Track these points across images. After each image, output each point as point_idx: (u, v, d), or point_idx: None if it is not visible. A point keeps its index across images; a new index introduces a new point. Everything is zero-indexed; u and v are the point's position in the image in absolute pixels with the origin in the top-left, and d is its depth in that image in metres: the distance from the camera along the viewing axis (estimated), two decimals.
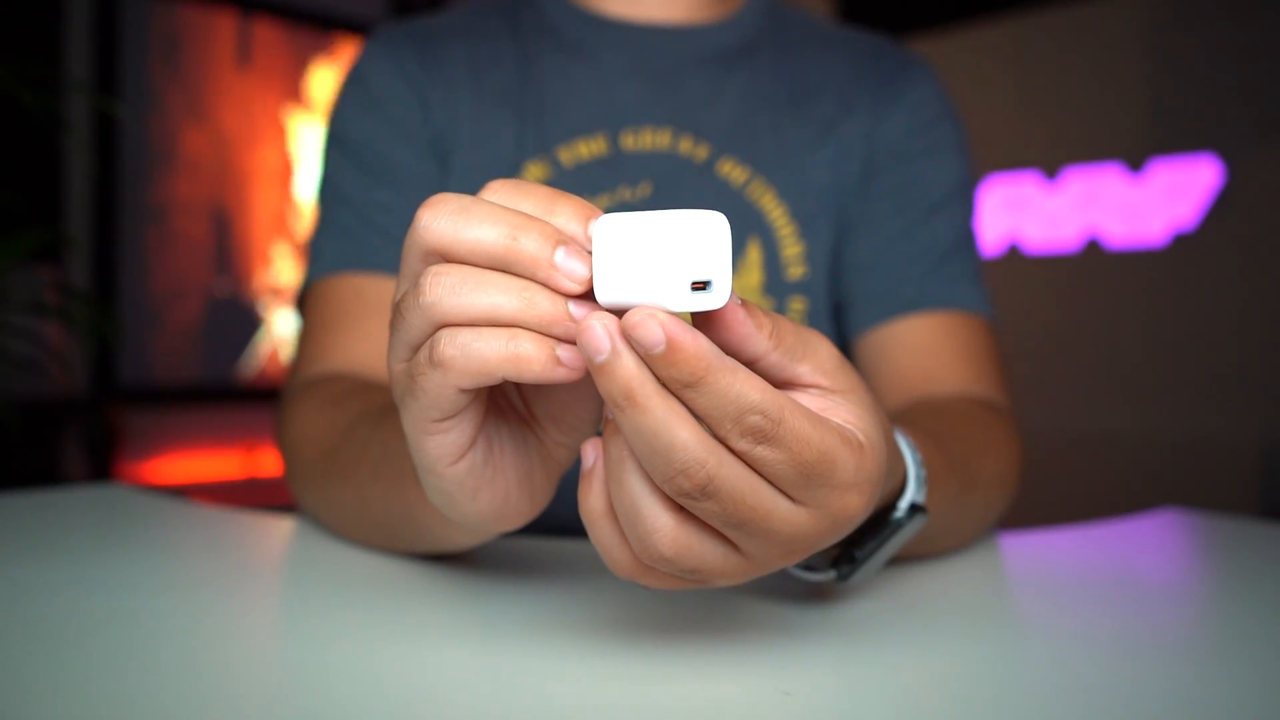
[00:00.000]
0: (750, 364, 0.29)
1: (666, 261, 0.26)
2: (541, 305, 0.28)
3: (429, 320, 0.29)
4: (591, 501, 0.30)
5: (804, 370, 0.30)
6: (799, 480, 0.28)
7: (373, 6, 3.19)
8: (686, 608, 0.41)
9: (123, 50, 2.68)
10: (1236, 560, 0.54)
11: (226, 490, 2.82)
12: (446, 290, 0.29)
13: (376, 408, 0.49)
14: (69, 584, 0.42)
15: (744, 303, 0.29)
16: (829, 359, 0.31)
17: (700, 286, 0.27)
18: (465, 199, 0.30)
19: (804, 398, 0.31)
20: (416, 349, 0.31)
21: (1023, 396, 2.84)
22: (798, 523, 0.29)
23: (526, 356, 0.29)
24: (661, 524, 0.28)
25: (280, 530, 0.55)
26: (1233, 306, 2.47)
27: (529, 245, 0.28)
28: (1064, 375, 2.76)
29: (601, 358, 0.27)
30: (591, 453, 0.30)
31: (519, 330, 0.29)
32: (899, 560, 0.50)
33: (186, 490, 2.72)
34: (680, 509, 0.29)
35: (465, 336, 0.29)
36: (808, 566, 0.40)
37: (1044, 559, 0.53)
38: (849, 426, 0.30)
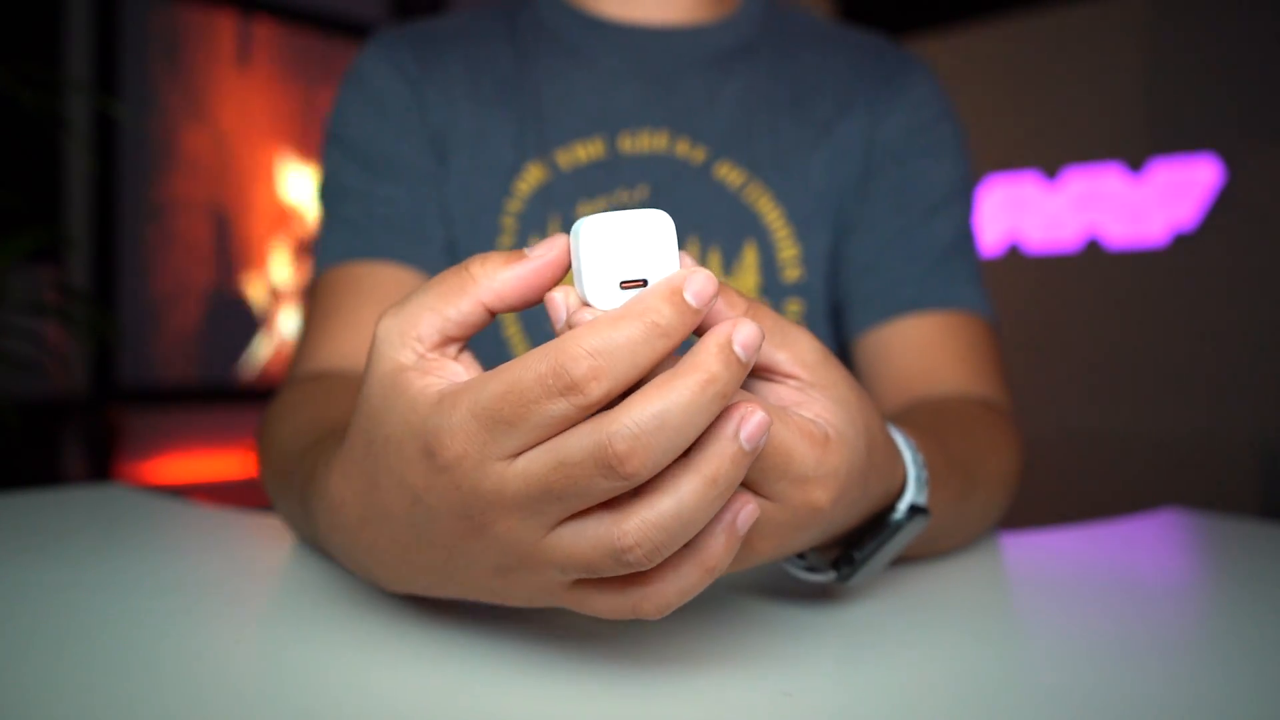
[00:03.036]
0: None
1: (596, 261, 0.28)
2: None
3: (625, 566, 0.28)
4: None
5: (782, 359, 0.31)
6: (755, 473, 0.29)
7: (373, 7, 3.19)
8: (686, 607, 0.41)
9: (123, 50, 2.68)
10: (1236, 560, 0.54)
11: (226, 490, 2.82)
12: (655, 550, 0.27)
13: (317, 421, 0.48)
14: (69, 584, 0.42)
15: (722, 285, 0.29)
16: (809, 352, 0.31)
17: (635, 285, 0.28)
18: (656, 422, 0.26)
19: (782, 389, 0.31)
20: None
21: (1023, 396, 2.85)
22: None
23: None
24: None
25: (280, 530, 0.55)
26: (1233, 306, 2.47)
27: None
28: (1064, 375, 2.76)
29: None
30: None
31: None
32: (900, 560, 0.50)
33: (186, 490, 2.72)
34: None
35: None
36: (809, 568, 0.40)
37: (1044, 559, 0.53)
38: (818, 420, 0.30)
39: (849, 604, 0.42)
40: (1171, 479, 2.54)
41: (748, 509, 0.29)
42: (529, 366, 0.26)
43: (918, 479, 0.39)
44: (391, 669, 0.33)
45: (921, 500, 0.40)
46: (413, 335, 0.29)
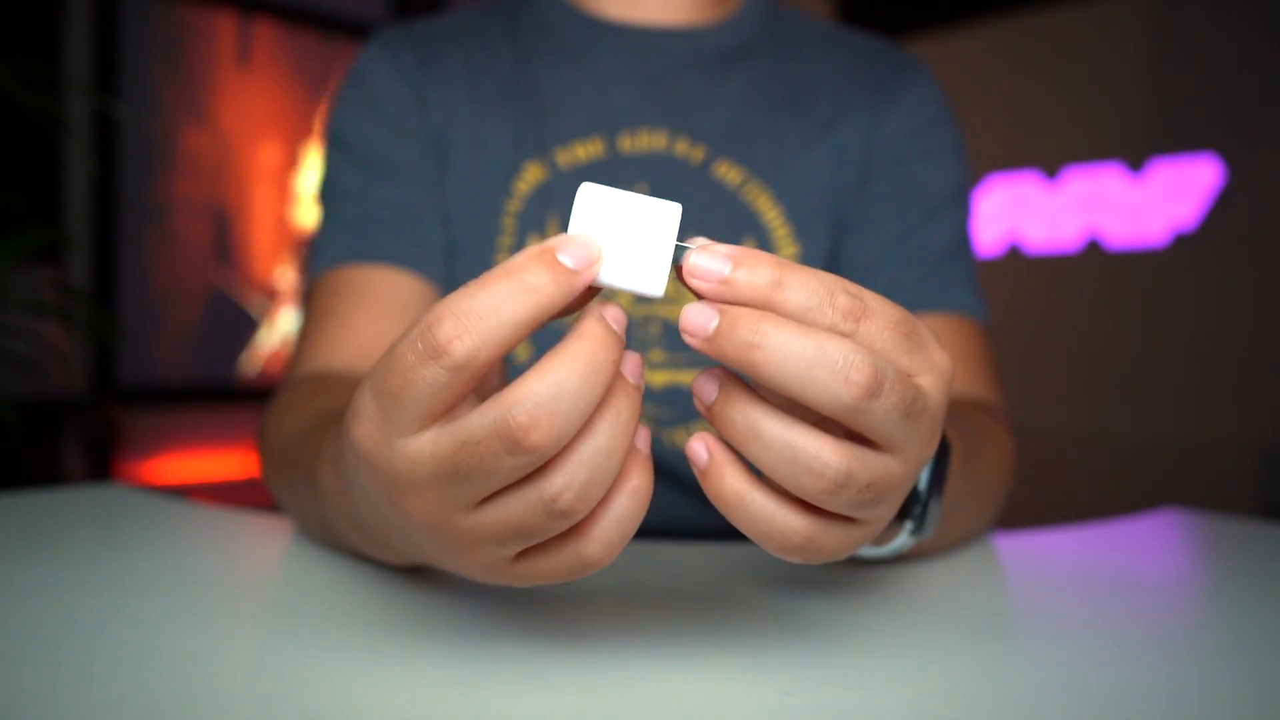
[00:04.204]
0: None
1: (575, 225, 0.28)
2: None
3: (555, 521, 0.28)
4: (729, 483, 0.29)
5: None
6: (906, 345, 0.28)
7: (373, 7, 3.18)
8: (686, 608, 0.41)
9: (123, 50, 2.68)
10: (1236, 560, 0.54)
11: (226, 490, 2.82)
12: (580, 500, 0.27)
13: (322, 412, 0.48)
14: (68, 584, 0.42)
15: (745, 250, 0.28)
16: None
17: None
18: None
19: None
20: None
21: (1023, 396, 2.84)
22: (889, 465, 0.29)
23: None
24: (824, 444, 0.27)
25: (280, 531, 0.55)
26: (1233, 306, 2.47)
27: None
28: (1064, 375, 2.76)
29: (714, 324, 0.27)
30: (702, 446, 0.29)
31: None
32: (900, 559, 0.50)
33: (186, 490, 2.72)
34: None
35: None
36: (874, 542, 0.42)
37: (1044, 559, 0.53)
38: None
39: (848, 603, 0.42)
40: (1171, 479, 2.54)
41: (642, 432, 0.30)
42: (404, 334, 0.26)
43: None
44: (391, 669, 0.33)
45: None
46: None
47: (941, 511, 0.41)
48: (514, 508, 0.27)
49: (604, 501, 0.28)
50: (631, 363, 0.28)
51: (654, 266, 0.28)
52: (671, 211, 0.28)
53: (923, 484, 0.40)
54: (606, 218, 0.28)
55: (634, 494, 0.29)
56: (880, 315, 0.28)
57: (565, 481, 0.26)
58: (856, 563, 0.49)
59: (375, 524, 0.34)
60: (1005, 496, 0.57)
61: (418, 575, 0.45)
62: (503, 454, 0.25)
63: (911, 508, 0.40)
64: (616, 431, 0.27)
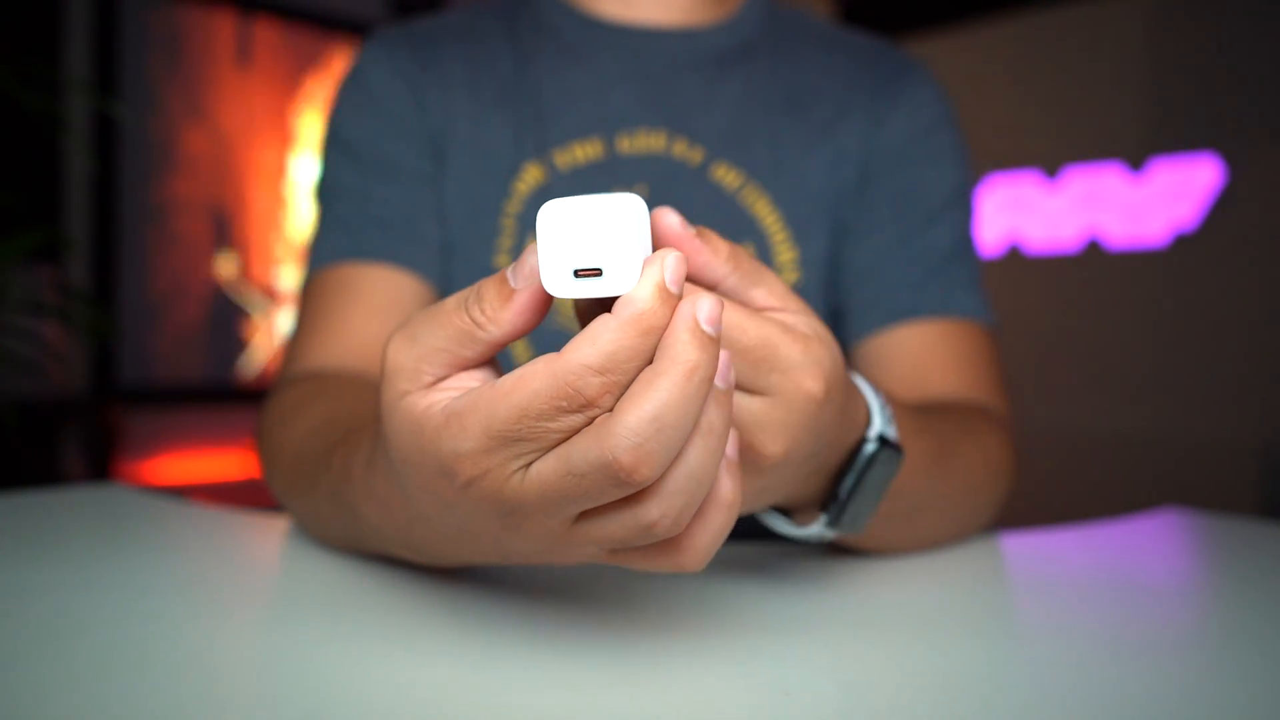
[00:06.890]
0: (711, 287, 0.32)
1: (548, 249, 0.27)
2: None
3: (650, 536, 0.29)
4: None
5: (759, 294, 0.33)
6: (745, 368, 0.31)
7: (373, 7, 3.18)
8: (685, 607, 0.41)
9: (123, 50, 2.68)
10: (1237, 560, 0.54)
11: (226, 490, 2.82)
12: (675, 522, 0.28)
13: (333, 422, 0.48)
14: (67, 584, 0.42)
15: (700, 231, 0.31)
16: (778, 285, 0.34)
17: (590, 273, 0.27)
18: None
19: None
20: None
21: (1023, 396, 2.84)
22: (755, 410, 0.32)
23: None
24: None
25: (279, 531, 0.55)
26: (1233, 306, 2.47)
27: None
28: (1064, 375, 2.76)
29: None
30: None
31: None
32: (898, 558, 0.50)
33: (186, 490, 2.71)
34: None
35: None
36: (799, 525, 0.42)
37: (1044, 559, 0.53)
38: (796, 324, 0.33)
39: (848, 603, 0.42)
40: (1171, 479, 2.54)
41: (730, 435, 0.30)
42: (538, 392, 0.26)
43: (882, 413, 0.40)
44: (392, 667, 0.33)
45: (891, 433, 0.40)
46: (428, 372, 0.29)
47: (873, 515, 0.42)
48: (613, 528, 0.29)
49: (699, 515, 0.30)
50: (721, 363, 0.28)
51: (628, 265, 0.27)
52: (635, 205, 0.27)
53: (844, 490, 0.40)
54: (573, 229, 0.27)
55: (728, 510, 0.30)
56: (724, 338, 0.30)
57: (662, 510, 0.28)
58: (796, 543, 0.50)
59: (444, 549, 0.35)
60: (997, 497, 0.56)
61: (419, 574, 0.45)
62: (609, 488, 0.26)
63: (829, 504, 0.40)
64: (709, 453, 0.28)
